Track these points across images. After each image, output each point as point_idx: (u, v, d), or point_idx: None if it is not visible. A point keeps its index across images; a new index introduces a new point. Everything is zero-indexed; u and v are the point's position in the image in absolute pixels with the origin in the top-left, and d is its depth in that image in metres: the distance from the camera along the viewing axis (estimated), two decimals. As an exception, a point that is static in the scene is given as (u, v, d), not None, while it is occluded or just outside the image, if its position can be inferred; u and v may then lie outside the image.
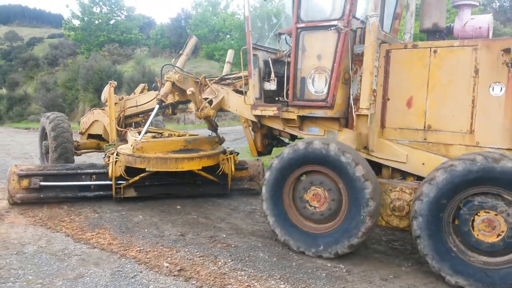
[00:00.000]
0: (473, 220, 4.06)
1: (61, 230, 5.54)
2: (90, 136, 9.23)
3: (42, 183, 6.65)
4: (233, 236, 5.43)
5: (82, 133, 9.42)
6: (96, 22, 36.46)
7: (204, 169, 6.68)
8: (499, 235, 3.96)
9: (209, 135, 7.31)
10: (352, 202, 4.57)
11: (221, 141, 7.40)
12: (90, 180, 6.97)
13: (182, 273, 4.30)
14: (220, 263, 4.58)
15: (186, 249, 4.94)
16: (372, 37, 4.71)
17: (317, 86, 5.17)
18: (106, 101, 8.18)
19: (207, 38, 31.39)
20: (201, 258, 4.70)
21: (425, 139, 4.83)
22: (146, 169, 6.40)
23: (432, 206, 4.14)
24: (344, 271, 4.44)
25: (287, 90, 5.45)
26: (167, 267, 4.44)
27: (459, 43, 4.71)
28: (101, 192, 6.96)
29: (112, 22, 37.53)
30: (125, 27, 37.32)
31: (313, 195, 4.89)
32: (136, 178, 6.73)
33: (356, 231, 4.51)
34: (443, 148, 4.72)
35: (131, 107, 8.25)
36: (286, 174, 4.98)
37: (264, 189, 5.12)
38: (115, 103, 8.18)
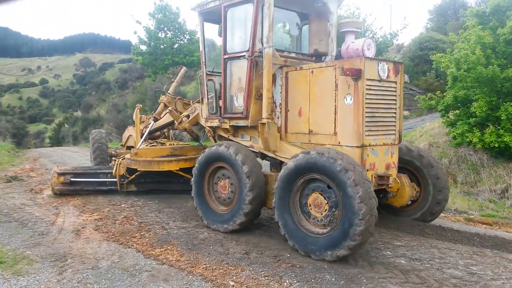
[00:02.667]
0: (308, 199, 5.31)
1: (132, 246, 5.76)
2: (128, 147, 10.98)
3: (72, 179, 8.88)
4: (297, 256, 5.33)
5: (123, 145, 11.47)
6: (162, 46, 38.40)
7: (186, 170, 8.18)
8: (324, 211, 5.16)
9: (199, 144, 9.25)
10: (240, 192, 6.06)
11: (204, 148, 8.70)
12: (106, 178, 9.10)
13: (248, 292, 4.29)
14: (285, 284, 4.51)
15: (251, 268, 4.93)
16: (266, 63, 6.08)
17: (239, 102, 6.61)
18: None
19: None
20: (266, 278, 4.67)
21: (309, 141, 6.04)
22: (138, 169, 8.39)
23: (282, 185, 5.43)
24: (417, 296, 4.18)
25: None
26: (232, 285, 4.45)
27: (325, 64, 5.94)
28: (112, 187, 8.97)
29: (176, 46, 39.32)
30: (188, 50, 38.92)
31: (222, 184, 6.51)
32: (133, 176, 8.79)
33: (241, 212, 6.01)
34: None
35: (151, 124, 9.80)
36: (205, 168, 6.63)
37: (192, 179, 6.77)
38: (143, 121, 10.17)
